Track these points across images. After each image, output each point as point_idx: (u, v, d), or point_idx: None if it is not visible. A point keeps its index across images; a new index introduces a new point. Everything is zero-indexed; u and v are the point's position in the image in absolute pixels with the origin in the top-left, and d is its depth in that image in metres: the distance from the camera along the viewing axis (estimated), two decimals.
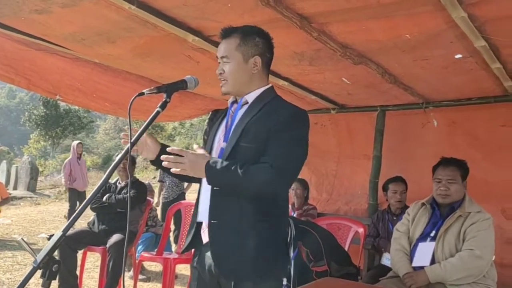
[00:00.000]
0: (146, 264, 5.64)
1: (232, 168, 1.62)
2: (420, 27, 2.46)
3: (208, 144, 1.85)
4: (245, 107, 1.79)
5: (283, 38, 2.75)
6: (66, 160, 8.72)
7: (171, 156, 1.62)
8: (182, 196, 6.54)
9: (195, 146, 1.72)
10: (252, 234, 1.67)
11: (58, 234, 1.33)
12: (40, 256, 1.27)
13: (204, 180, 1.72)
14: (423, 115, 4.27)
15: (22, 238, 1.46)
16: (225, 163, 1.64)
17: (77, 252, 4.26)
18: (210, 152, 1.81)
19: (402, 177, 3.88)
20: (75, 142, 9.08)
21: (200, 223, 1.80)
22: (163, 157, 1.63)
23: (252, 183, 1.63)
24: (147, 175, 22.04)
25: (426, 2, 2.15)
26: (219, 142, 1.79)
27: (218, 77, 1.81)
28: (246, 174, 1.61)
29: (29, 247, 1.39)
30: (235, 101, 1.85)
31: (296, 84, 3.83)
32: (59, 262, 1.32)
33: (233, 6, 2.32)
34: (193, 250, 1.89)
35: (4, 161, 20.75)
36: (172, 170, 1.64)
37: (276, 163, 1.63)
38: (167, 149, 1.67)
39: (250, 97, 1.79)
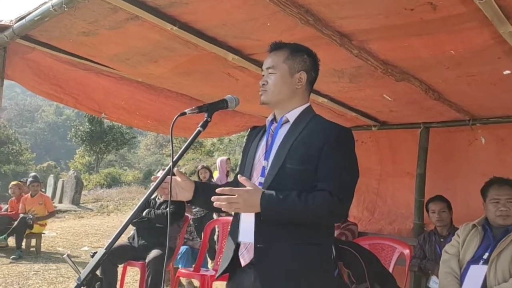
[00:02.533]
0: (184, 279, 5.67)
1: (290, 202, 1.57)
2: (465, 43, 2.39)
3: (248, 162, 1.82)
4: (286, 125, 1.76)
5: (322, 56, 2.69)
6: (216, 178, 7.46)
7: (223, 197, 1.56)
8: (210, 213, 6.59)
9: (241, 179, 1.63)
10: (301, 259, 1.63)
11: (101, 251, 1.36)
12: (83, 273, 1.30)
13: None
14: (470, 132, 4.12)
15: (67, 255, 1.49)
16: (280, 196, 1.58)
17: (117, 266, 4.33)
18: (250, 171, 1.78)
19: (442, 196, 3.76)
20: (222, 158, 7.53)
21: (237, 246, 1.74)
22: (214, 198, 1.57)
23: (315, 216, 1.60)
24: None
25: (471, 18, 2.08)
26: (260, 161, 1.76)
27: (260, 88, 1.79)
28: (308, 207, 1.57)
29: (74, 263, 1.42)
30: (274, 119, 1.83)
31: (336, 101, 3.79)
32: (102, 280, 1.34)
33: (272, 25, 2.34)
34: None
35: (51, 175, 21.65)
36: (224, 209, 1.61)
37: (335, 190, 1.59)
38: (217, 190, 1.59)
39: (291, 116, 1.76)
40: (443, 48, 2.47)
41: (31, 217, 7.41)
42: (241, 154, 2.00)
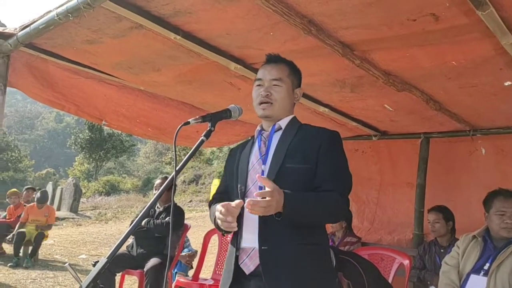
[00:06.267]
0: None
1: (311, 202, 1.62)
2: (467, 54, 2.40)
3: (242, 172, 1.81)
4: (279, 132, 1.82)
5: (325, 66, 2.75)
6: None
7: (262, 201, 1.48)
8: None
9: (260, 178, 1.54)
10: (305, 259, 1.66)
11: (103, 260, 1.35)
12: (85, 283, 1.29)
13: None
14: (470, 143, 4.13)
15: (68, 264, 1.48)
16: (301, 197, 1.61)
17: (115, 275, 4.31)
18: (246, 179, 1.77)
19: (439, 207, 3.75)
20: None
21: (236, 257, 1.73)
22: (249, 203, 1.48)
23: (331, 215, 1.70)
24: (184, 199, 22.31)
25: (473, 29, 2.10)
26: (254, 167, 1.77)
27: (261, 99, 1.80)
28: (326, 207, 1.64)
29: (75, 273, 1.41)
30: (262, 129, 1.87)
31: (337, 110, 3.80)
32: None
33: (275, 34, 2.35)
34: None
35: (50, 182, 21.58)
36: (259, 213, 1.52)
37: (342, 189, 1.68)
38: (256, 194, 1.50)
39: (283, 123, 1.83)
40: (445, 58, 2.48)
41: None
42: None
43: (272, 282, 1.63)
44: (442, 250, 3.63)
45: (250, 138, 1.96)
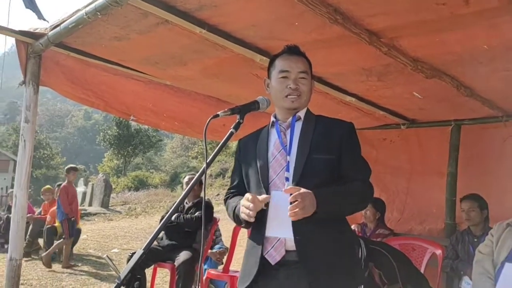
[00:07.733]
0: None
1: (339, 193, 1.69)
2: (499, 37, 2.34)
3: (262, 163, 1.80)
4: (299, 122, 1.82)
5: (351, 55, 2.72)
6: None
7: (297, 205, 1.55)
8: None
9: (287, 190, 1.61)
10: (337, 247, 1.71)
11: (139, 252, 1.39)
12: (123, 273, 1.33)
13: (276, 195, 1.70)
14: (504, 129, 4.00)
15: (107, 256, 1.53)
16: (330, 192, 1.67)
17: (145, 269, 4.39)
18: (267, 170, 1.77)
19: (475, 195, 3.65)
20: None
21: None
22: (291, 207, 1.56)
23: (359, 201, 1.77)
24: (211, 192, 22.52)
25: (505, 12, 2.04)
26: (276, 158, 1.77)
27: (289, 91, 1.78)
28: (355, 194, 1.71)
29: (113, 264, 1.45)
30: (277, 119, 1.86)
31: (364, 99, 3.75)
32: (140, 279, 1.37)
33: (300, 25, 2.34)
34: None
35: (81, 178, 22.16)
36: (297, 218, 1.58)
37: (365, 176, 1.77)
38: (284, 190, 1.61)
39: (302, 113, 1.85)
40: (476, 42, 2.42)
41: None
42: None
43: (310, 269, 1.65)
44: (475, 240, 3.55)
45: (260, 129, 1.94)
